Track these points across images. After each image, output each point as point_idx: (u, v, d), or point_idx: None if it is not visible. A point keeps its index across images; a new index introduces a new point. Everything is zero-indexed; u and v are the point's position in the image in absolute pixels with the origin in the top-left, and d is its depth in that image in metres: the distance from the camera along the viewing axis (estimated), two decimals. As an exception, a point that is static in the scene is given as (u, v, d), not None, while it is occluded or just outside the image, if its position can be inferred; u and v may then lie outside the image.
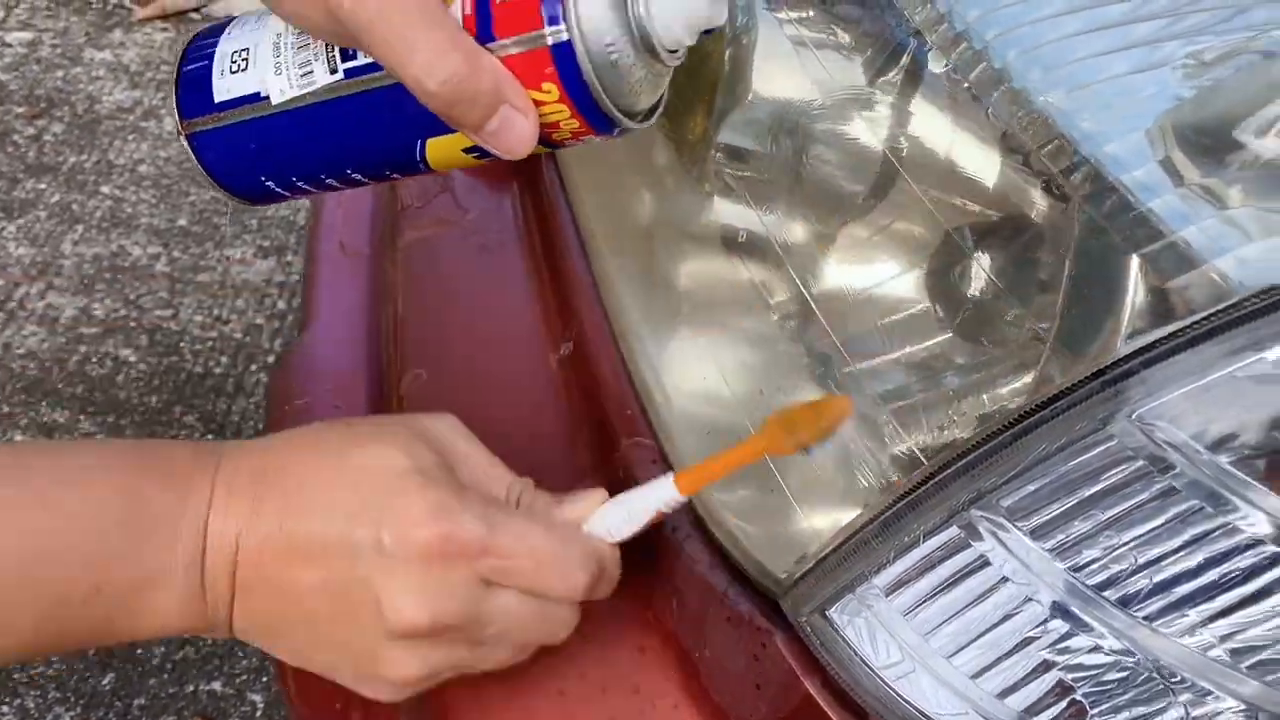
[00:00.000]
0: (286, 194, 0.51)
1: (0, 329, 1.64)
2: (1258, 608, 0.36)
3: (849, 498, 0.45)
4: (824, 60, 0.53)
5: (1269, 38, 0.39)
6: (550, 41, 0.41)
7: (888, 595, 0.42)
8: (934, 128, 0.48)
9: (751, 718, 0.47)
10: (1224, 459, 0.35)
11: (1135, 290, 0.37)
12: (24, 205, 1.86)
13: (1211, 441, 0.35)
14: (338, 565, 0.44)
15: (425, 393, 0.65)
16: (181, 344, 1.65)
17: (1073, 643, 0.39)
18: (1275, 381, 0.34)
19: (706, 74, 0.59)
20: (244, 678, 1.27)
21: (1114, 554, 0.37)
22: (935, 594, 0.41)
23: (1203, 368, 0.35)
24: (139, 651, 1.27)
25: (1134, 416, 0.36)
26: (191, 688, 1.25)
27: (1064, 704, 0.40)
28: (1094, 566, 0.38)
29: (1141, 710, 0.39)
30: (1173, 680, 0.38)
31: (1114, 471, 0.37)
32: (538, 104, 0.43)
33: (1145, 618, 0.38)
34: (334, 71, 0.45)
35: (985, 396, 0.42)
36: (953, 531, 0.40)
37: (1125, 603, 0.38)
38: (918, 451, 0.42)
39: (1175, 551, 0.37)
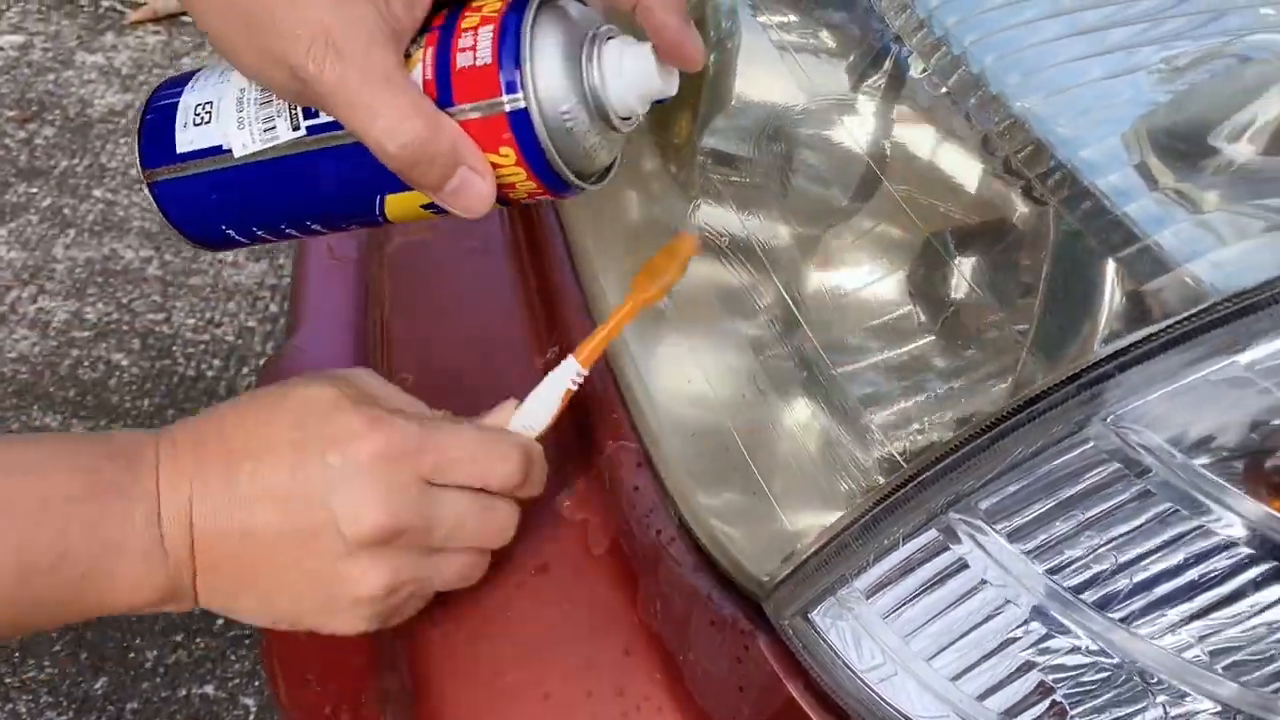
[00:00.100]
0: (247, 242, 0.52)
1: (-8, 333, 1.64)
2: (1233, 609, 0.36)
3: (831, 501, 0.45)
4: (808, 65, 0.53)
5: (1243, 43, 0.40)
6: (508, 108, 0.43)
7: (868, 598, 0.42)
8: (916, 133, 0.48)
9: (735, 720, 0.47)
10: (1199, 462, 0.35)
11: (1112, 293, 0.37)
12: (15, 209, 1.86)
13: (1186, 444, 0.36)
14: (290, 495, 0.47)
15: (412, 396, 0.65)
16: (174, 347, 1.65)
17: (1053, 644, 0.40)
18: (1248, 385, 0.34)
19: (691, 79, 0.59)
20: (236, 681, 1.27)
21: (1091, 556, 0.38)
22: (915, 597, 0.41)
23: (1177, 371, 0.35)
24: (131, 655, 1.27)
25: (1109, 420, 0.36)
26: (184, 691, 1.25)
27: (1045, 705, 0.40)
28: (1071, 569, 0.38)
29: (1122, 711, 0.39)
30: (1151, 681, 0.38)
31: (1090, 475, 0.37)
32: (495, 166, 0.45)
33: (1122, 620, 0.38)
34: (297, 128, 0.47)
35: (966, 399, 0.42)
36: (931, 534, 0.40)
37: (1103, 605, 0.38)
38: (898, 455, 0.42)
39: (1151, 554, 0.37)
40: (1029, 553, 0.39)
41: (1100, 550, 0.38)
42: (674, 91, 0.47)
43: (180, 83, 0.51)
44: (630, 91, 0.45)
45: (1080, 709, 0.40)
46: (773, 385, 0.51)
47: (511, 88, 0.43)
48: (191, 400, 1.57)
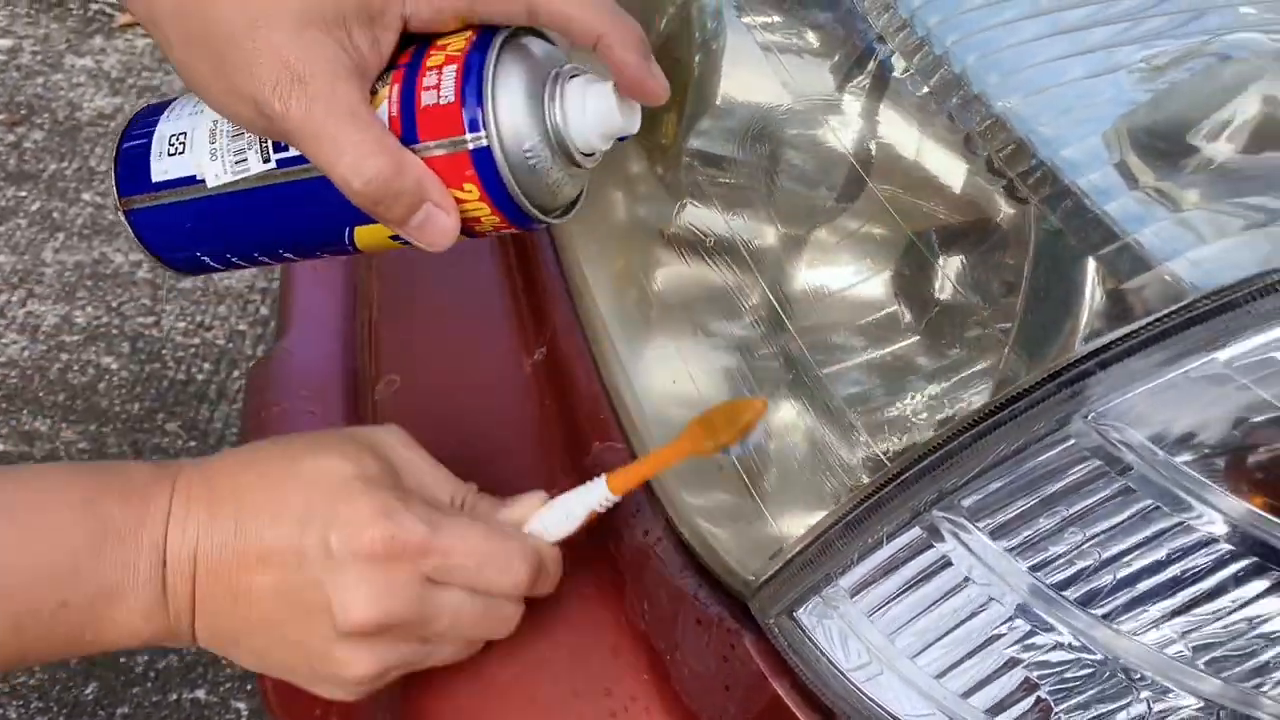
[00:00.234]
0: (220, 267, 0.53)
1: (-19, 337, 1.63)
2: (1214, 605, 0.36)
3: (817, 500, 0.45)
4: (792, 66, 0.53)
5: (1222, 42, 0.40)
6: (471, 146, 0.44)
7: (853, 596, 0.42)
8: (900, 133, 0.48)
9: (721, 719, 0.47)
10: (1179, 459, 0.36)
11: (1093, 291, 0.37)
12: (4, 213, 1.85)
13: (1167, 441, 0.36)
14: (289, 569, 0.46)
15: (400, 398, 0.66)
16: (164, 351, 1.64)
17: (1036, 640, 0.40)
18: (1228, 381, 0.35)
19: (677, 80, 0.59)
20: (228, 685, 1.27)
21: (1073, 553, 0.38)
22: (899, 595, 0.41)
23: (1157, 368, 0.35)
24: (122, 660, 1.27)
25: (1090, 417, 0.36)
26: (175, 696, 1.25)
27: (1029, 701, 0.40)
28: (1054, 566, 0.38)
29: (1106, 707, 0.39)
30: (1134, 677, 0.39)
31: (1071, 472, 0.37)
32: (459, 201, 0.45)
33: (1105, 616, 0.38)
34: (267, 160, 0.47)
35: (951, 398, 0.42)
36: (915, 532, 0.40)
37: (1085, 601, 0.38)
38: (882, 455, 0.43)
39: (1133, 551, 0.37)
40: (1012, 550, 0.39)
41: (1082, 547, 0.38)
42: (635, 129, 0.48)
43: (156, 111, 0.52)
44: (593, 129, 0.46)
45: (1064, 705, 0.40)
46: (759, 385, 0.51)
47: (474, 126, 0.44)
48: (181, 404, 1.57)
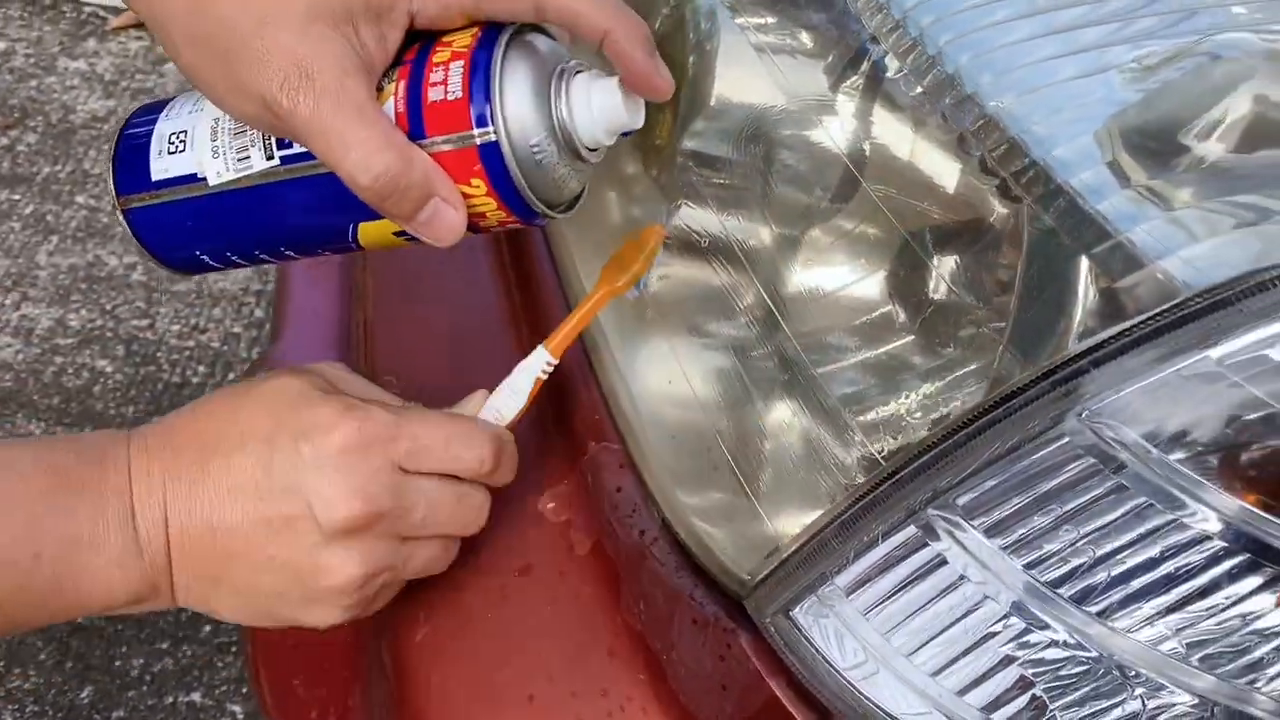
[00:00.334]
0: (220, 266, 0.53)
1: (-25, 341, 1.63)
2: (1208, 602, 0.37)
3: (812, 500, 0.45)
4: (786, 66, 0.54)
5: (1213, 41, 0.40)
6: (478, 142, 0.44)
7: (849, 595, 0.43)
8: (894, 133, 0.48)
9: (718, 719, 0.47)
10: (1172, 456, 0.36)
11: (1086, 290, 0.37)
12: (-2, 216, 1.85)
13: (1160, 439, 0.36)
14: (263, 487, 0.47)
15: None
16: (158, 353, 1.64)
17: (1031, 638, 0.40)
18: (1220, 379, 0.35)
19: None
20: (223, 688, 1.26)
21: (1068, 551, 0.38)
22: (895, 593, 0.41)
23: (1150, 366, 0.35)
24: (117, 663, 1.27)
25: (1084, 415, 0.36)
26: (171, 699, 1.25)
27: (1025, 699, 0.41)
28: (1049, 564, 0.38)
29: (1101, 704, 0.40)
30: (1129, 674, 0.39)
31: (1066, 470, 0.37)
32: (466, 196, 0.46)
33: (1100, 613, 0.38)
34: (270, 158, 0.47)
35: (945, 397, 0.42)
36: (910, 531, 0.40)
37: (1080, 599, 0.38)
38: (877, 454, 0.43)
39: (1127, 548, 0.37)
40: (1007, 548, 0.39)
41: (1077, 545, 0.38)
42: (640, 124, 0.48)
43: (154, 110, 0.52)
44: (598, 124, 0.46)
45: (1060, 702, 0.40)
46: (754, 385, 0.51)
47: (482, 121, 0.44)
48: (176, 407, 1.56)
